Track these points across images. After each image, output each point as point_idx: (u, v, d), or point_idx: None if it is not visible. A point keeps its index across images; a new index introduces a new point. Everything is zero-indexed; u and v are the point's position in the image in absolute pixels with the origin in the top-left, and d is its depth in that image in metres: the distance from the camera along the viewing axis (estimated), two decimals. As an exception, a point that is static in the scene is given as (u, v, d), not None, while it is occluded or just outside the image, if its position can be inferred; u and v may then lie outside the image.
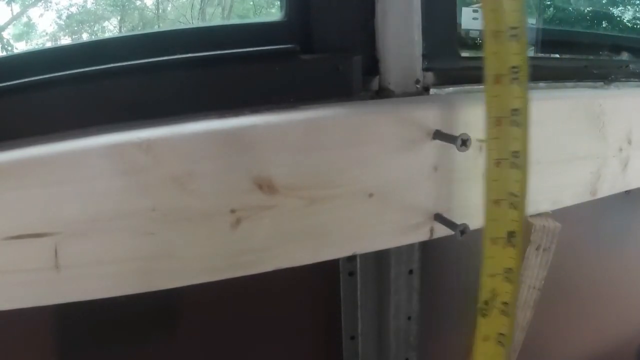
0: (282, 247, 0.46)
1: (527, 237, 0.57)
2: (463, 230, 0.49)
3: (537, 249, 0.58)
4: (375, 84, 0.56)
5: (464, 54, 0.63)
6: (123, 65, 0.46)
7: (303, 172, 0.45)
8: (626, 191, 0.69)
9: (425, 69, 0.57)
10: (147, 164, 0.41)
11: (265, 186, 0.44)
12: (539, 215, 0.59)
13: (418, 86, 0.57)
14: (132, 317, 0.58)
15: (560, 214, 0.60)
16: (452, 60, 0.60)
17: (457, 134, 0.46)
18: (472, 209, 0.53)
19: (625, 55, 0.90)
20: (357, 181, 0.47)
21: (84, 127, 0.44)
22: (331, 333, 0.72)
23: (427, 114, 0.49)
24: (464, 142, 0.46)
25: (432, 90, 0.59)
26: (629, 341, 1.01)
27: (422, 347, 0.73)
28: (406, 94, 0.56)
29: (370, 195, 0.48)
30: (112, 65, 0.46)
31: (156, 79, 0.47)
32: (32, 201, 0.39)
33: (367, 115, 0.48)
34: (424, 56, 0.57)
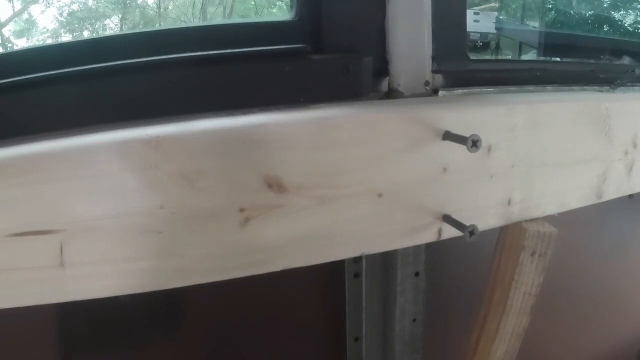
0: (291, 246, 0.46)
1: (521, 243, 0.56)
2: (472, 231, 0.49)
3: (532, 254, 0.57)
4: (384, 85, 0.55)
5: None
6: (131, 62, 0.46)
7: (312, 172, 0.45)
8: (629, 195, 0.69)
9: (434, 71, 0.57)
10: (156, 160, 0.40)
11: (275, 185, 0.44)
12: (534, 220, 0.58)
13: (427, 88, 0.57)
14: (136, 315, 0.58)
15: (562, 218, 0.60)
16: (461, 63, 0.60)
17: (466, 135, 0.46)
18: (481, 211, 0.53)
19: (627, 59, 0.91)
20: (366, 181, 0.47)
21: (92, 124, 0.44)
22: (335, 334, 0.71)
23: (437, 115, 0.49)
24: (475, 143, 0.46)
25: (441, 92, 0.58)
26: (630, 345, 1.01)
27: (427, 349, 0.72)
28: (415, 96, 0.56)
29: (379, 195, 0.48)
30: (120, 62, 0.45)
31: (165, 77, 0.47)
32: (37, 198, 0.39)
33: (376, 115, 0.48)
34: (434, 58, 0.57)
